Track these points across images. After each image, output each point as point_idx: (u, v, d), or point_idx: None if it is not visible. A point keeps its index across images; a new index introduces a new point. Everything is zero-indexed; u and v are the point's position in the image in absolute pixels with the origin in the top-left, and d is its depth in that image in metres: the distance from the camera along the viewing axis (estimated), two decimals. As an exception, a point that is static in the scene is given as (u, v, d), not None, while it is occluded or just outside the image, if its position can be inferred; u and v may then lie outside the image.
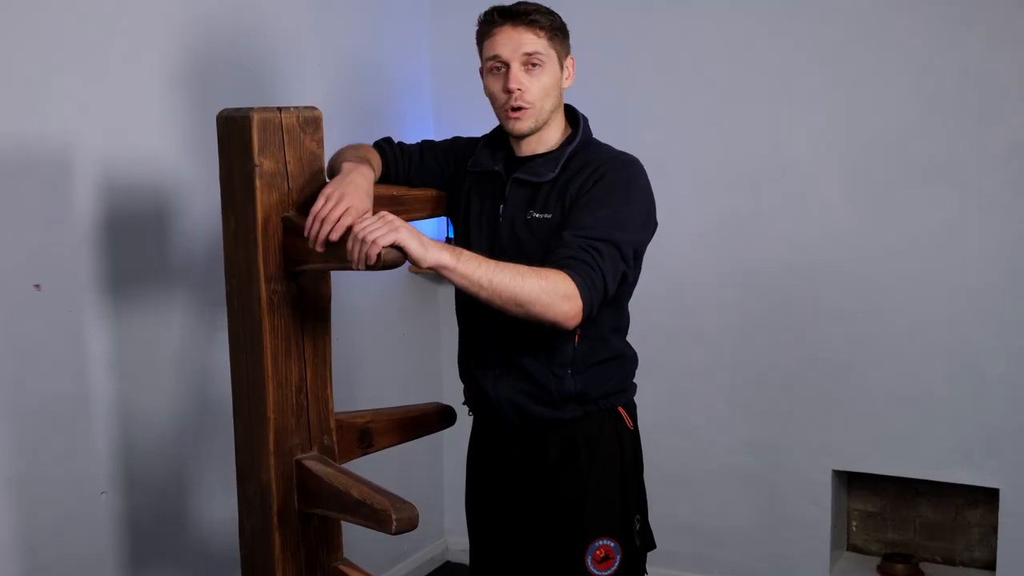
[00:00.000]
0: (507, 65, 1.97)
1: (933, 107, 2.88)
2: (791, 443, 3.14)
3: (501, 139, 2.10)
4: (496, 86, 2.00)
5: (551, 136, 2.05)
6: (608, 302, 1.93)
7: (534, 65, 1.97)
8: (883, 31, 2.92)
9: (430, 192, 2.17)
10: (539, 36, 1.97)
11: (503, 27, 1.98)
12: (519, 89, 1.97)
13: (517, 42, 1.97)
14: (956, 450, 2.95)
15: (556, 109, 2.04)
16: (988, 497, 3.04)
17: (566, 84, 2.05)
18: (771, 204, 3.09)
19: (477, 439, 2.20)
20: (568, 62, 2.04)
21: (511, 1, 2.03)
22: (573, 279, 1.82)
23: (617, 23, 3.20)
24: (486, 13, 2.02)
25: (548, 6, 2.03)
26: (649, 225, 2.02)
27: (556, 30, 2.00)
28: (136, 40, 2.41)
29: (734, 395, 3.20)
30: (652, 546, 2.15)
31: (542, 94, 1.98)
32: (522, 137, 2.03)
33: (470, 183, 2.12)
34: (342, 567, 1.92)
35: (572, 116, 2.10)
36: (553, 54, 1.99)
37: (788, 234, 3.08)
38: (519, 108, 1.98)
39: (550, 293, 1.79)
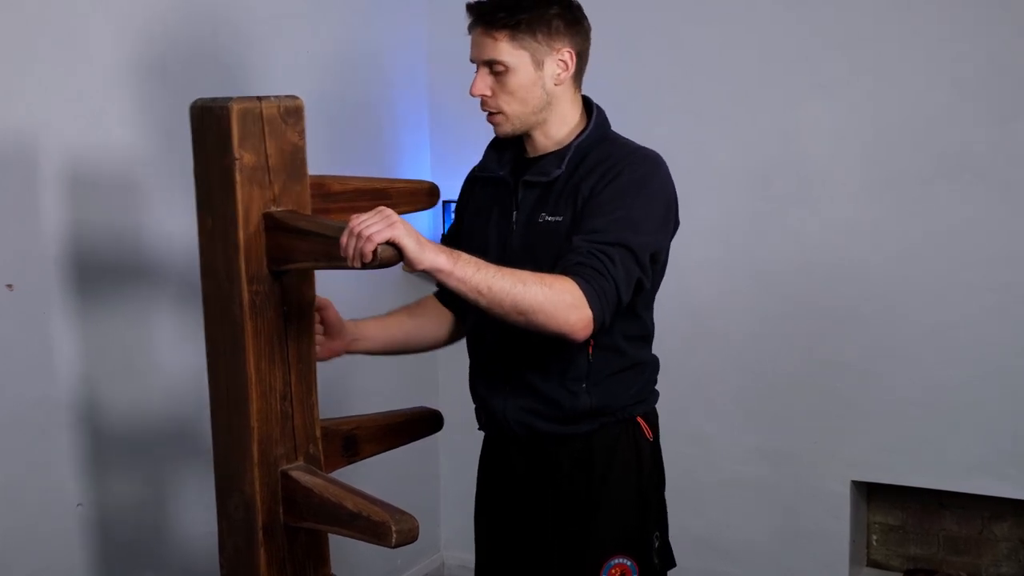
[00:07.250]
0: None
1: (958, 97, 2.79)
2: (807, 452, 3.07)
3: (508, 138, 1.98)
4: None
5: (558, 132, 1.94)
6: (621, 311, 1.83)
7: (497, 71, 1.87)
8: (905, 17, 2.83)
9: (418, 184, 2.10)
10: (497, 40, 1.85)
11: (472, 26, 1.89)
12: (482, 95, 1.89)
13: (480, 47, 1.88)
14: (982, 460, 2.87)
15: (547, 107, 1.91)
16: (1016, 509, 2.97)
17: (560, 79, 1.90)
18: (785, 201, 3.01)
19: (487, 451, 2.13)
20: (560, 55, 1.89)
21: None
22: (581, 286, 1.72)
23: (623, 8, 3.10)
24: (466, 5, 1.91)
25: None
26: (668, 226, 1.91)
27: (526, 26, 1.85)
28: (110, 26, 2.34)
29: (747, 401, 3.12)
30: (672, 564, 2.06)
31: (510, 100, 1.88)
32: (516, 138, 1.95)
33: (478, 188, 2.05)
34: (331, 584, 1.86)
35: (589, 108, 1.99)
36: (522, 54, 1.86)
37: (803, 232, 3.00)
38: (489, 113, 1.91)
39: (554, 302, 1.69)
